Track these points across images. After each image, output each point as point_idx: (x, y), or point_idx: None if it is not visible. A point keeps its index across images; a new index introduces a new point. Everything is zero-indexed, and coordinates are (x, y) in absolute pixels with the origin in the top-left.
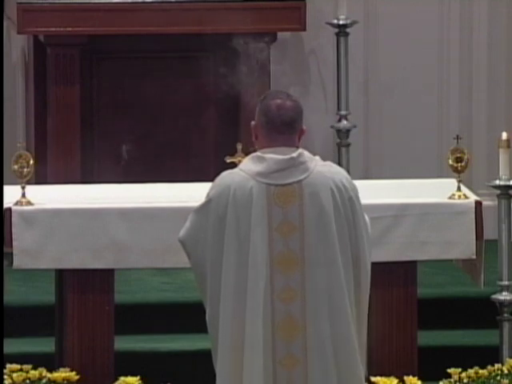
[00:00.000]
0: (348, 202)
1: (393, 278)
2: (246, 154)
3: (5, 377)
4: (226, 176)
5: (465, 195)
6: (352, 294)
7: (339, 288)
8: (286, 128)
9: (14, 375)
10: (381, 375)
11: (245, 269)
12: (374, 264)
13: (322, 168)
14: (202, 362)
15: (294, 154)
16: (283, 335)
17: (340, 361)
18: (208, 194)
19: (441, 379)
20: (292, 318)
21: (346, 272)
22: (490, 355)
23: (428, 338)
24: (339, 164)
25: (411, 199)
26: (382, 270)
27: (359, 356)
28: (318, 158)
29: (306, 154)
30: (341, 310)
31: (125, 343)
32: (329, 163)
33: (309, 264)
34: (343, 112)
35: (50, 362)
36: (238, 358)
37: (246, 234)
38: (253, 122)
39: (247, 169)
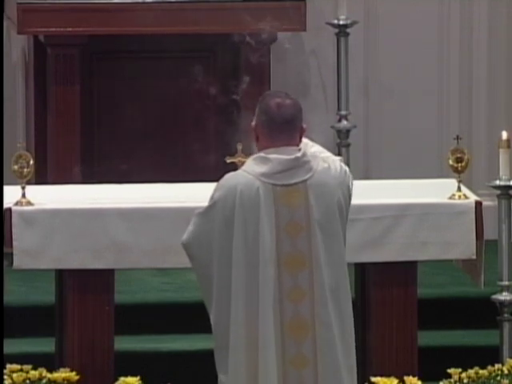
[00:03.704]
0: (349, 199)
1: (393, 277)
2: (247, 154)
3: (5, 377)
4: (230, 178)
5: (465, 195)
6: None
7: (345, 288)
8: (287, 125)
9: (14, 375)
10: (381, 375)
11: (254, 269)
12: (374, 264)
13: (324, 168)
14: (202, 362)
15: (299, 154)
16: (293, 335)
17: (346, 362)
18: (212, 197)
19: (441, 379)
20: (301, 318)
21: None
22: (490, 355)
23: (428, 338)
24: None
25: (411, 199)
26: (382, 269)
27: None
28: (316, 151)
29: (309, 152)
30: (346, 310)
31: (125, 343)
32: (323, 155)
33: (316, 264)
34: (343, 112)
35: (50, 362)
36: (251, 357)
37: (255, 235)
38: (253, 123)
39: (251, 170)
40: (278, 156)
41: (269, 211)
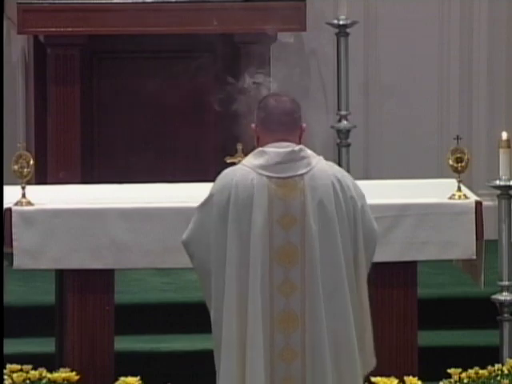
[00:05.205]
0: (350, 200)
1: (393, 278)
2: (246, 154)
3: (5, 377)
4: (228, 171)
5: (465, 195)
6: (354, 289)
7: (340, 283)
8: (285, 117)
9: (14, 375)
10: (381, 375)
11: (247, 262)
12: (374, 264)
13: (325, 165)
14: (202, 362)
15: (296, 148)
16: (282, 328)
17: (339, 356)
18: (210, 191)
19: (441, 379)
20: (291, 311)
21: (348, 269)
22: (490, 355)
23: (428, 338)
24: (339, 164)
25: (411, 199)
26: (382, 270)
27: (360, 351)
28: (321, 157)
29: (310, 151)
30: (341, 305)
31: (125, 343)
32: (332, 163)
33: (309, 258)
34: (343, 112)
35: (50, 362)
36: (241, 356)
37: (248, 227)
38: (253, 125)
39: (249, 163)
40: (275, 149)
41: (262, 203)
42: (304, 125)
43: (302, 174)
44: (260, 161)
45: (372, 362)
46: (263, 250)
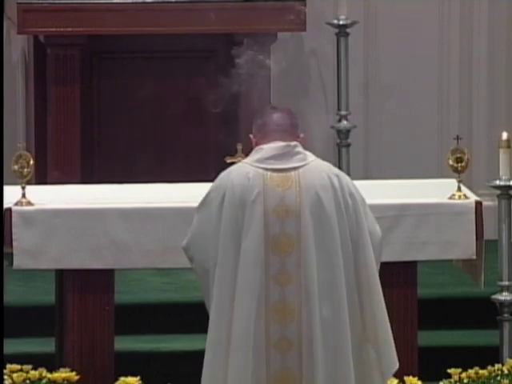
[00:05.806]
0: (349, 196)
1: (393, 278)
2: (246, 154)
3: (5, 377)
4: (227, 170)
5: (465, 195)
6: (352, 283)
7: (336, 274)
8: (282, 122)
9: (14, 375)
10: None
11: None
12: None
13: (322, 164)
14: (202, 362)
15: (291, 143)
16: (278, 318)
17: (333, 348)
18: (208, 190)
19: (441, 379)
20: (287, 301)
21: (346, 262)
22: (490, 355)
23: (428, 338)
24: (339, 164)
25: (411, 199)
26: (382, 270)
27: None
28: (319, 159)
29: (307, 152)
30: (337, 297)
31: (125, 343)
32: (329, 164)
33: (304, 248)
34: (343, 112)
35: (50, 362)
36: (228, 353)
37: (242, 223)
38: (251, 135)
39: (247, 160)
40: (271, 145)
41: (258, 194)
42: (302, 135)
43: (297, 167)
44: (257, 156)
45: (392, 363)
46: (258, 240)
